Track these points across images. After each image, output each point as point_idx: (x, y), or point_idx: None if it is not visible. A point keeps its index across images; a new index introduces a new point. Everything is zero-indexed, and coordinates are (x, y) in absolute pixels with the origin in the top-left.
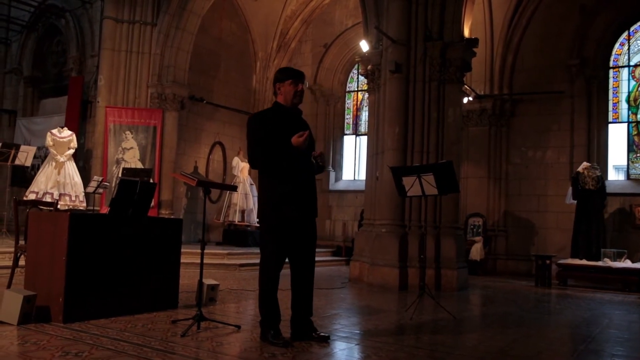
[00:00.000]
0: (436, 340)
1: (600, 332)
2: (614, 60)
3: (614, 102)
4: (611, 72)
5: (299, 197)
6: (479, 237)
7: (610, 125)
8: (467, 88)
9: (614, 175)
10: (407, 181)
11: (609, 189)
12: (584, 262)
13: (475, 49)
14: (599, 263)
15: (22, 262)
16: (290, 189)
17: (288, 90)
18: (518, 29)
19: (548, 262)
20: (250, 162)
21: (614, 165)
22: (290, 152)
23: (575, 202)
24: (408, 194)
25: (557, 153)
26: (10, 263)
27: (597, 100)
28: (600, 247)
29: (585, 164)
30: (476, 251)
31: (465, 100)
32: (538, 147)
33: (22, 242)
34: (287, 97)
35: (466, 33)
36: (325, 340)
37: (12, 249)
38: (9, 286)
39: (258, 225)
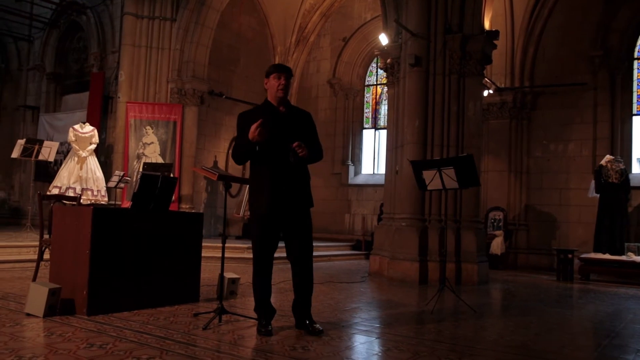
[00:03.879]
0: (457, 334)
1: (624, 327)
2: (638, 51)
3: (638, 93)
4: (635, 63)
5: (274, 190)
6: (500, 231)
7: (634, 118)
8: (488, 81)
9: (638, 169)
10: (428, 175)
11: (633, 182)
12: (607, 256)
13: (495, 41)
14: (623, 257)
15: (46, 255)
16: (264, 181)
17: (271, 85)
18: (539, 20)
19: (570, 256)
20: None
21: (638, 158)
22: (245, 146)
23: (598, 195)
24: (428, 188)
25: (579, 146)
26: (35, 256)
27: (621, 92)
28: (624, 241)
29: (608, 156)
30: (497, 245)
31: (485, 93)
32: (560, 140)
33: (46, 236)
34: (272, 92)
35: (486, 25)
36: (319, 335)
37: (37, 243)
38: (34, 279)
39: None
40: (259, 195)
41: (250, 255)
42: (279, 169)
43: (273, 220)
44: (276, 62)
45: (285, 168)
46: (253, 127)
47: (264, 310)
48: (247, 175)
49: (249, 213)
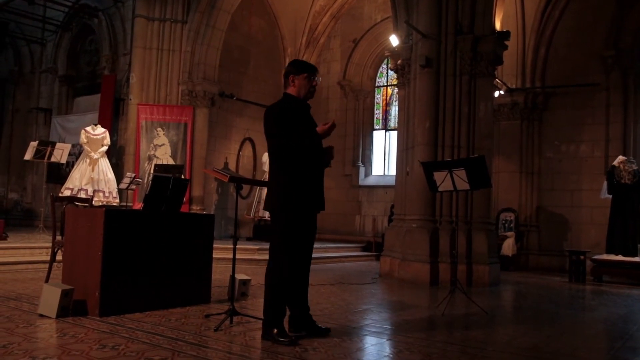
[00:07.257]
0: (468, 335)
1: (637, 329)
2: None
3: None
4: None
5: (312, 191)
6: (511, 232)
7: None
8: (499, 82)
9: None
10: (439, 176)
11: None
12: (620, 257)
13: (506, 42)
14: (636, 259)
15: (59, 257)
16: (305, 182)
17: (303, 84)
18: (551, 21)
19: (582, 257)
20: (274, 153)
21: None
22: (316, 143)
23: (611, 196)
24: (439, 189)
25: (591, 147)
26: (48, 258)
27: (634, 92)
28: (637, 242)
29: (621, 157)
30: (508, 246)
31: (496, 94)
32: (571, 141)
33: (59, 238)
34: (301, 91)
35: (497, 26)
36: (327, 334)
37: (50, 244)
38: (47, 280)
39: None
40: (301, 192)
41: (261, 257)
42: (317, 168)
43: (305, 220)
44: (286, 64)
45: (320, 168)
46: (327, 126)
47: (281, 317)
48: (257, 177)
49: (266, 211)
